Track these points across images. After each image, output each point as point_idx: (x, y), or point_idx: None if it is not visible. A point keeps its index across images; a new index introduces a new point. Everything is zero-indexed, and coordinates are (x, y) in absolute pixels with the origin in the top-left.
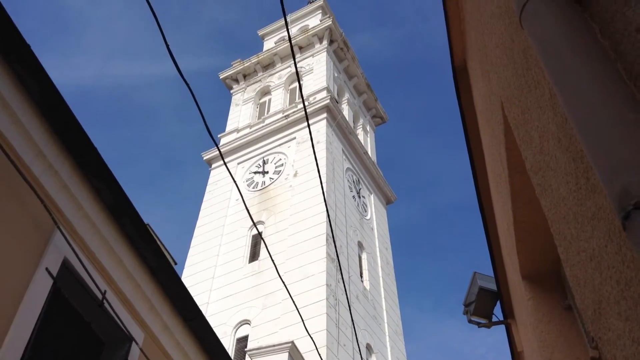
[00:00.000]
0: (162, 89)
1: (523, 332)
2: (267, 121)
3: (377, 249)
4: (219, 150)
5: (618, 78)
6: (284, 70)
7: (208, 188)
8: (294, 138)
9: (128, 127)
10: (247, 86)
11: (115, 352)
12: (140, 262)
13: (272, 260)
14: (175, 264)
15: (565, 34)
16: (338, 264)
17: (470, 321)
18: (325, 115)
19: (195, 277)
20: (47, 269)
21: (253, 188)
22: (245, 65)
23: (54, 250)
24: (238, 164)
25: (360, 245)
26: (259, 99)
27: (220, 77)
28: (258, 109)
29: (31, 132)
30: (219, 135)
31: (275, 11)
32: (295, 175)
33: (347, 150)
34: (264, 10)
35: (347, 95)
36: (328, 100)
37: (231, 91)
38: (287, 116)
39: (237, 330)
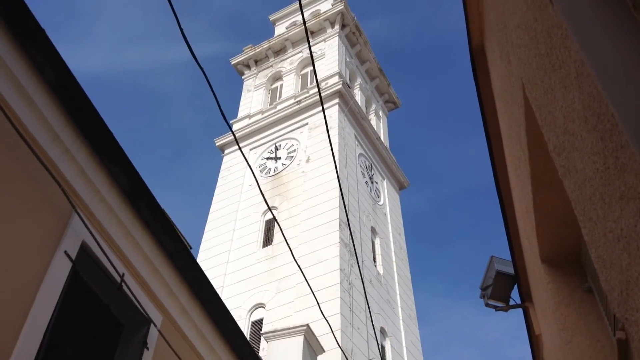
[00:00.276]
0: (172, 76)
1: (541, 316)
2: (279, 107)
3: (390, 234)
4: (233, 135)
5: None
6: (296, 56)
7: (221, 174)
8: (306, 124)
9: (139, 114)
10: (259, 72)
11: (134, 335)
12: (158, 246)
13: (288, 244)
14: (190, 248)
15: (599, 10)
16: (353, 249)
17: (487, 305)
18: (337, 100)
19: (209, 262)
20: (66, 252)
21: (266, 174)
22: (257, 50)
23: (72, 234)
24: (250, 150)
25: (373, 231)
26: (271, 85)
27: (232, 63)
28: (270, 95)
29: (48, 117)
30: (231, 122)
31: None
32: (307, 160)
33: (360, 136)
34: None
35: (359, 80)
36: (340, 86)
37: (243, 77)
38: (299, 102)
39: (251, 313)
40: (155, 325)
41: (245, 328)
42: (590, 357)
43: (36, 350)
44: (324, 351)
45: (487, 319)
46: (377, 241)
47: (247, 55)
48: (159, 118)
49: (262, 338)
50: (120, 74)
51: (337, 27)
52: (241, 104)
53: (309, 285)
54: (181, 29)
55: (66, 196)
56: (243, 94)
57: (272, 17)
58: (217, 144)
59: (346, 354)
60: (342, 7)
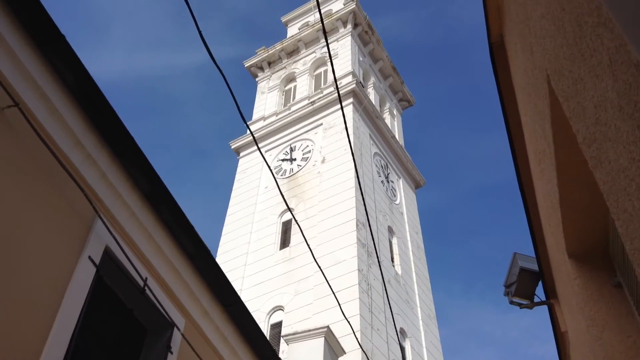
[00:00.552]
0: (185, 80)
1: (567, 312)
2: (293, 108)
3: (408, 234)
4: (252, 135)
5: None
6: (309, 56)
7: (237, 176)
8: (321, 124)
9: (154, 118)
10: (272, 74)
11: (158, 339)
12: (179, 249)
13: (308, 245)
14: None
15: None
16: (375, 249)
17: (511, 302)
18: (351, 100)
19: (227, 265)
20: (90, 257)
21: (281, 175)
22: (270, 52)
23: (95, 239)
24: (266, 152)
25: (390, 230)
26: (284, 86)
27: (245, 66)
28: (284, 96)
29: (69, 123)
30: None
31: None
32: (323, 161)
33: (375, 135)
34: None
35: (372, 79)
36: (354, 85)
37: (256, 79)
38: (313, 102)
39: (270, 316)
40: (178, 329)
41: (264, 331)
42: (620, 352)
43: (63, 354)
44: (344, 353)
45: (505, 318)
46: (394, 241)
47: (260, 58)
48: (173, 122)
49: (281, 341)
50: (135, 79)
51: (349, 26)
52: (255, 106)
53: (329, 286)
54: (200, 32)
55: (89, 201)
56: (257, 96)
57: (284, 19)
58: (232, 147)
59: (367, 355)
60: (354, 6)
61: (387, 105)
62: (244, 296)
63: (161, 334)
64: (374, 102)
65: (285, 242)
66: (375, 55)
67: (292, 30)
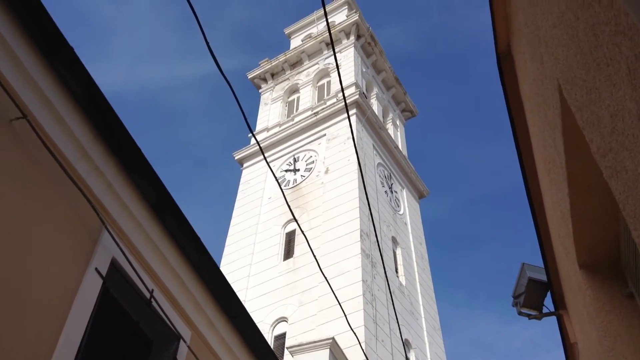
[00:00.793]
0: (189, 91)
1: (577, 323)
2: (296, 119)
3: (412, 244)
4: (258, 144)
5: None
6: (312, 68)
7: (240, 187)
8: (324, 135)
9: (157, 130)
10: (276, 85)
11: (164, 351)
12: (185, 260)
13: (314, 255)
14: None
15: None
16: (381, 260)
17: (520, 313)
18: (355, 110)
19: (231, 276)
20: (96, 269)
21: (285, 186)
22: (273, 64)
23: (102, 251)
24: (269, 162)
25: (394, 241)
26: (288, 97)
27: (249, 77)
28: (287, 107)
29: (76, 134)
30: (248, 135)
31: (300, 9)
32: (326, 172)
33: (378, 146)
34: (288, 9)
35: (375, 90)
36: (357, 96)
37: (260, 90)
38: (316, 113)
39: (274, 327)
40: (184, 341)
41: (268, 342)
42: None
43: None
44: None
45: (508, 329)
46: (398, 251)
47: (263, 69)
48: (175, 133)
49: (285, 352)
50: (138, 90)
51: (352, 38)
52: (259, 117)
53: (335, 296)
54: (207, 42)
55: (96, 212)
56: (260, 107)
57: (287, 31)
58: (236, 158)
59: None
60: (357, 17)
61: (390, 115)
62: (247, 307)
63: (167, 346)
64: (377, 113)
65: (289, 252)
66: (378, 66)
67: (295, 42)
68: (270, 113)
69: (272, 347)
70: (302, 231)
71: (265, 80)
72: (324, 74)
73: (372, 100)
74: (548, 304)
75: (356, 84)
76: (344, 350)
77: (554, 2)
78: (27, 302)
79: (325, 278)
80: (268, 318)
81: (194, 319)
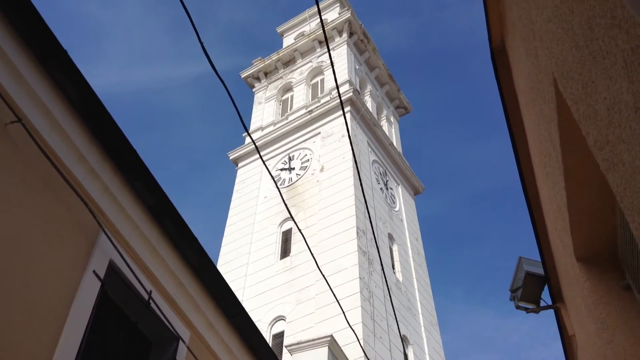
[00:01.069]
0: (182, 92)
1: (575, 316)
2: (290, 118)
3: (408, 240)
4: (254, 144)
5: None
6: (305, 66)
7: (236, 187)
8: (319, 133)
9: (151, 131)
10: (269, 84)
11: (163, 352)
12: (183, 261)
13: (311, 253)
14: None
15: None
16: (379, 257)
17: (518, 307)
18: (349, 108)
19: (228, 276)
20: (94, 271)
21: (280, 185)
22: (266, 63)
23: (100, 253)
24: (262, 162)
25: (390, 237)
26: (281, 96)
27: (242, 77)
28: (281, 106)
29: (72, 137)
30: (243, 134)
31: (292, 7)
32: (321, 170)
33: (373, 142)
34: (280, 8)
35: (369, 87)
36: (351, 93)
37: (253, 90)
38: (310, 111)
39: (272, 326)
40: (184, 342)
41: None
42: (633, 355)
43: None
44: None
45: (506, 323)
46: (394, 248)
47: (256, 68)
48: (169, 134)
49: (283, 351)
50: (131, 92)
51: (345, 35)
52: (253, 116)
53: (333, 294)
54: (201, 43)
55: (93, 215)
56: (254, 106)
57: (279, 29)
58: (230, 158)
59: None
60: (349, 15)
61: (384, 112)
62: (245, 307)
63: (166, 347)
64: (371, 110)
65: (285, 251)
66: (371, 64)
67: (288, 41)
68: (264, 112)
69: (270, 346)
70: (299, 229)
71: (258, 79)
72: (317, 72)
73: (366, 98)
74: (545, 297)
75: (350, 82)
76: (343, 348)
77: None
78: (26, 306)
79: (323, 276)
80: (266, 317)
81: (192, 320)
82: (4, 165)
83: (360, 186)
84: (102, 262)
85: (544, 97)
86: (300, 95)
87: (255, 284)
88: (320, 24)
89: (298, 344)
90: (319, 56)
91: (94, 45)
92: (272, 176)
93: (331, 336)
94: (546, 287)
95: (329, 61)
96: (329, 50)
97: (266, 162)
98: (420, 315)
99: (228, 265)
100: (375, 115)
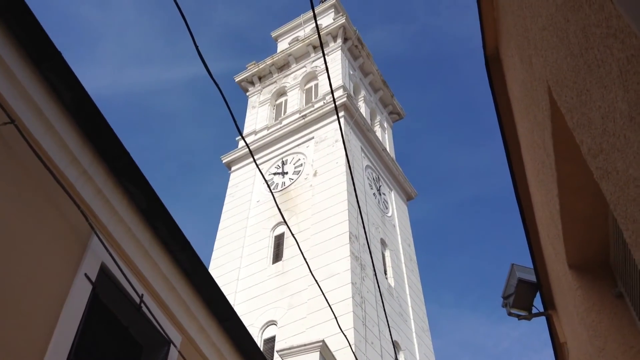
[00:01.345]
0: (175, 95)
1: (567, 323)
2: (284, 122)
3: (400, 246)
4: (248, 147)
5: None
6: (299, 71)
7: (228, 191)
8: (312, 138)
9: (144, 134)
10: (263, 88)
11: (154, 356)
12: (175, 265)
13: (304, 258)
14: None
15: None
16: (372, 262)
17: (510, 314)
18: (342, 113)
19: (219, 280)
20: (86, 274)
21: (273, 189)
22: (260, 67)
23: (91, 256)
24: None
25: (382, 243)
26: (275, 101)
27: (236, 80)
28: (275, 111)
29: (65, 139)
30: (237, 138)
31: (287, 12)
32: (315, 174)
33: (366, 148)
34: (275, 13)
35: (363, 93)
36: (345, 99)
37: (247, 94)
38: (304, 116)
39: (263, 331)
40: (175, 346)
41: (258, 346)
42: None
43: None
44: None
45: (496, 329)
46: (387, 253)
47: (250, 72)
48: (162, 137)
49: (275, 355)
50: (124, 95)
51: (339, 40)
52: (246, 120)
53: (326, 299)
54: (196, 47)
55: (85, 217)
56: (248, 110)
57: (274, 34)
58: (223, 161)
59: None
60: (344, 20)
61: (378, 118)
62: (236, 311)
63: (157, 351)
64: (364, 116)
65: (277, 256)
66: (365, 69)
67: (282, 45)
68: (257, 116)
69: (261, 350)
70: (293, 234)
71: (252, 83)
72: (312, 77)
73: (359, 103)
74: (537, 304)
75: (344, 87)
76: (334, 353)
77: (544, 5)
78: (17, 308)
79: (316, 281)
80: (257, 321)
81: (184, 324)
82: None
83: (353, 191)
84: (93, 264)
85: (537, 105)
86: (294, 100)
87: (247, 288)
88: (314, 29)
89: (290, 348)
90: (313, 61)
91: (87, 47)
92: (265, 180)
93: (323, 341)
94: (538, 294)
95: (322, 66)
96: (324, 55)
97: (260, 166)
98: (412, 321)
99: (220, 269)
100: (369, 121)
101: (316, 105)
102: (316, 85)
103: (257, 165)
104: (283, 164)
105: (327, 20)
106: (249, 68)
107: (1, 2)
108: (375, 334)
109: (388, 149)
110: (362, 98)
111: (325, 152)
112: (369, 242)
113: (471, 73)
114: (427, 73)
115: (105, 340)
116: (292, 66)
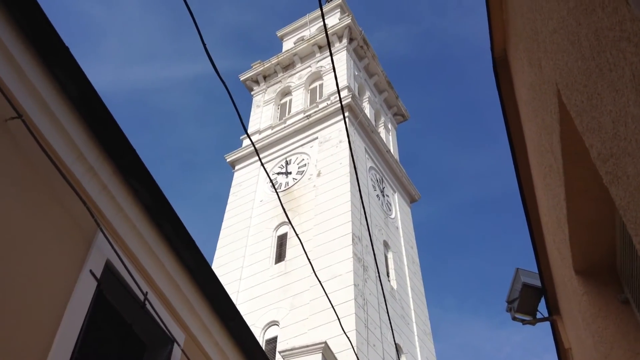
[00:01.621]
0: (178, 93)
1: (571, 329)
2: (288, 122)
3: (403, 248)
4: (253, 145)
5: None
6: (304, 70)
7: (232, 190)
8: (316, 138)
9: (146, 131)
10: (268, 87)
11: (157, 354)
12: (180, 263)
13: (308, 258)
14: None
15: None
16: (375, 264)
17: (514, 319)
18: (347, 114)
19: (222, 279)
20: (91, 271)
21: (277, 189)
22: (265, 66)
23: (97, 253)
24: (261, 165)
25: (385, 245)
26: (280, 100)
27: (241, 79)
28: (279, 110)
29: (71, 135)
30: (241, 137)
31: (292, 12)
32: (318, 175)
33: (370, 149)
34: (280, 12)
35: (367, 94)
36: (350, 99)
37: (252, 93)
38: (308, 116)
39: (265, 331)
40: (178, 345)
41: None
42: None
43: None
44: None
45: (498, 333)
46: (389, 255)
47: (255, 71)
48: (166, 135)
49: (277, 356)
50: (128, 91)
51: (344, 41)
52: (251, 119)
53: (329, 300)
54: (204, 44)
55: (91, 214)
56: (252, 109)
57: (279, 33)
58: (227, 160)
59: None
60: (350, 21)
61: (382, 119)
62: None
63: (161, 349)
64: (369, 116)
65: (280, 256)
66: (370, 70)
67: (288, 45)
68: (262, 115)
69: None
70: (297, 234)
71: (257, 82)
72: (316, 76)
73: (364, 104)
74: (542, 309)
75: (348, 87)
76: (336, 355)
77: (555, 8)
78: (21, 304)
79: (320, 282)
80: (259, 322)
81: (188, 322)
82: (3, 161)
83: (357, 192)
84: (99, 261)
85: (546, 108)
86: (299, 100)
87: (249, 288)
88: (319, 29)
89: (292, 349)
90: (318, 61)
91: (90, 44)
92: (270, 180)
93: (325, 343)
94: (543, 299)
95: (328, 66)
96: (331, 54)
97: (264, 166)
98: (414, 324)
99: (222, 269)
100: (373, 122)
101: (321, 106)
102: (321, 85)
103: (262, 165)
104: (287, 163)
105: (333, 20)
106: (254, 67)
107: None
108: (378, 336)
109: (392, 151)
110: (367, 99)
111: (329, 152)
112: (372, 243)
113: (476, 75)
114: (431, 74)
115: (108, 337)
116: (297, 66)
